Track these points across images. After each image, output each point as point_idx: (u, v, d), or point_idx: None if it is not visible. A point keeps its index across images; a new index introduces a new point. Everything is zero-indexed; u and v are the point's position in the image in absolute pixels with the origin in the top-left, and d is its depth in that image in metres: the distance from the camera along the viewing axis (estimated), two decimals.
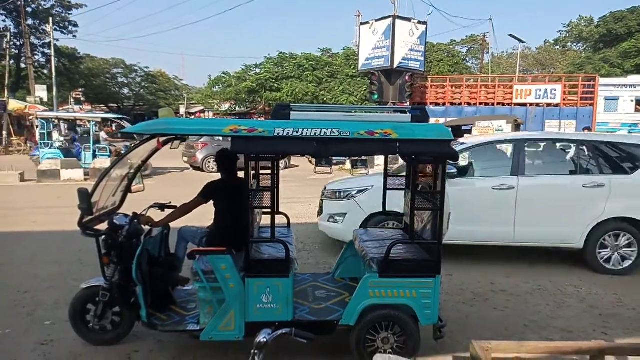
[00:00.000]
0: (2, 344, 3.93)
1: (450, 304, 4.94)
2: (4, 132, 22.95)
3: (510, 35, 30.01)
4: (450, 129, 3.48)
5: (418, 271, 3.59)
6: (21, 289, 5.14)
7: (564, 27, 49.58)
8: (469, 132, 12.97)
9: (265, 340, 1.82)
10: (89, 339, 3.90)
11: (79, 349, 3.85)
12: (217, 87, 37.01)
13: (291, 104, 3.71)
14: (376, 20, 18.63)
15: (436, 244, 3.56)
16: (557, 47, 50.96)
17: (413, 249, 3.93)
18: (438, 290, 3.60)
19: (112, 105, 50.04)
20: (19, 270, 5.81)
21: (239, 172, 4.16)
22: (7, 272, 5.73)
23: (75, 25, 39.08)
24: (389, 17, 17.99)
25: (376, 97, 17.54)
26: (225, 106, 37.61)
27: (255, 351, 1.79)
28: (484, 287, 5.58)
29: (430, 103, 19.63)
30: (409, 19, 18.35)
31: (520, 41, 30.66)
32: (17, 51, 34.53)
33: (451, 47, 42.47)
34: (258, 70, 33.77)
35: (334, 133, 3.33)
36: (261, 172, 4.52)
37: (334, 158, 18.22)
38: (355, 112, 3.75)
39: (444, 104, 19.82)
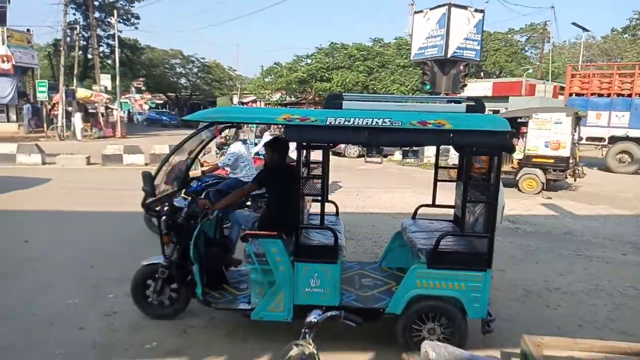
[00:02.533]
0: (71, 314, 4.27)
1: (500, 300, 4.83)
2: (72, 118, 24.48)
3: (574, 24, 28.27)
4: (507, 120, 3.38)
5: (468, 264, 3.55)
6: (88, 264, 5.54)
7: (635, 14, 45.99)
8: (525, 124, 12.43)
9: (315, 320, 1.89)
10: (148, 313, 4.17)
11: (139, 321, 4.12)
12: (269, 77, 37.53)
13: (343, 94, 3.75)
14: (430, 9, 18.12)
15: (488, 237, 3.50)
16: (626, 35, 47.39)
17: (463, 242, 3.88)
18: (488, 284, 3.54)
19: (170, 94, 52.07)
20: (86, 246, 6.25)
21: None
22: (76, 248, 6.19)
23: (137, 17, 40.81)
24: (444, 5, 17.46)
25: (428, 87, 17.13)
26: (276, 96, 38.07)
27: (306, 330, 1.86)
28: (537, 284, 5.41)
29: (592, 94, 17.79)
30: (465, 7, 17.72)
31: (585, 30, 28.88)
32: (85, 42, 36.57)
33: (509, 36, 40.62)
34: (309, 61, 33.86)
35: (385, 123, 3.34)
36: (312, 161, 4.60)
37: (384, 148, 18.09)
38: (407, 102, 3.72)
39: (608, 95, 17.58)
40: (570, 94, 18.57)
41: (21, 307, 4.36)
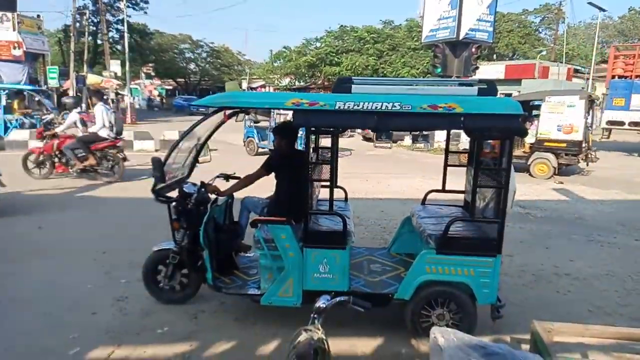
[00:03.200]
0: (84, 298, 4.34)
1: (509, 285, 4.81)
2: (83, 104, 24.63)
3: (590, 3, 27.41)
4: (519, 103, 3.32)
5: (477, 249, 3.52)
6: (100, 249, 5.62)
7: None
8: (537, 107, 12.25)
9: (324, 305, 1.89)
10: (159, 298, 4.22)
11: (150, 306, 4.18)
12: (277, 61, 37.32)
13: (353, 78, 3.70)
14: None
15: (498, 223, 3.47)
16: None
17: (473, 227, 3.85)
18: (498, 270, 3.52)
19: (179, 80, 52.10)
20: (98, 232, 6.33)
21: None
22: (89, 233, 6.27)
23: (146, 2, 40.68)
24: None
25: (439, 70, 16.89)
26: (286, 81, 37.90)
27: (315, 315, 1.87)
28: (547, 269, 5.37)
29: (637, 76, 17.08)
30: None
31: (601, 9, 28.05)
32: (94, 28, 36.60)
33: (523, 16, 39.77)
34: (318, 44, 33.58)
35: (395, 107, 3.29)
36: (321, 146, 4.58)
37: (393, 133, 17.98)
38: (418, 85, 3.66)
39: (630, 77, 17.17)
40: (613, 76, 17.59)
41: (38, 292, 4.44)
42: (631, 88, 16.34)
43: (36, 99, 20.14)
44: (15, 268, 5.00)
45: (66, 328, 3.77)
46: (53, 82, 25.30)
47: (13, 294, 4.38)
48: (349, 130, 19.39)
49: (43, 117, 17.81)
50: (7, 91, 17.41)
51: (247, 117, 14.87)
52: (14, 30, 23.44)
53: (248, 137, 14.91)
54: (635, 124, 16.52)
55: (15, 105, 18.76)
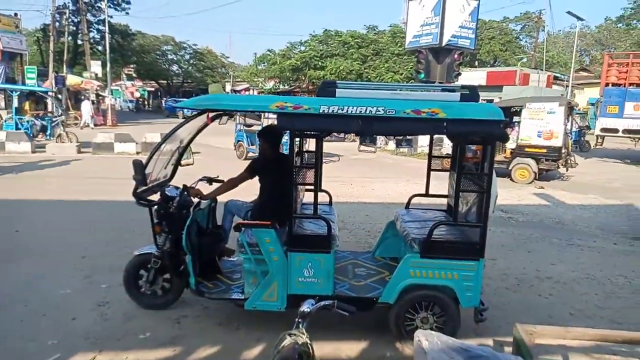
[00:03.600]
0: (64, 303, 4.24)
1: (492, 289, 4.87)
2: (62, 106, 24.17)
3: (569, 13, 28.07)
4: (501, 109, 3.37)
5: (461, 253, 3.55)
6: (80, 253, 5.50)
7: (630, 3, 45.97)
8: (518, 114, 12.46)
9: (309, 309, 1.88)
10: (141, 303, 4.15)
11: (132, 311, 4.10)
12: (262, 64, 37.21)
13: (337, 82, 3.71)
14: None
15: (481, 227, 3.50)
16: (621, 25, 47.45)
17: (456, 231, 3.88)
18: (481, 273, 3.55)
19: (161, 81, 51.51)
20: (78, 236, 6.20)
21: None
22: (68, 237, 6.14)
23: (128, 2, 40.15)
24: None
25: (422, 76, 17.05)
26: (270, 84, 37.82)
27: (299, 320, 1.86)
28: (529, 273, 5.45)
29: (631, 84, 16.87)
30: None
31: (579, 19, 28.77)
32: (74, 28, 35.96)
33: (504, 24, 40.49)
34: (303, 48, 33.59)
35: (379, 111, 3.31)
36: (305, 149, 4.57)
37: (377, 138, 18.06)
38: (401, 90, 3.69)
39: (624, 85, 17.01)
40: (607, 84, 17.50)
41: (13, 297, 4.32)
42: (625, 96, 16.40)
43: (47, 100, 19.94)
44: None
45: (45, 333, 3.68)
46: (31, 83, 24.76)
47: None
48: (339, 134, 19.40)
49: (54, 119, 17.68)
50: (18, 92, 17.14)
51: (238, 121, 14.83)
52: None
53: (238, 140, 14.86)
54: (629, 131, 16.57)
55: (27, 107, 18.51)
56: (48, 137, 17.30)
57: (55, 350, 3.45)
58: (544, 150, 11.91)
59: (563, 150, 12.05)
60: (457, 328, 3.61)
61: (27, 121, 16.70)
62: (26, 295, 4.36)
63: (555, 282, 5.21)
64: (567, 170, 12.79)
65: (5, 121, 16.79)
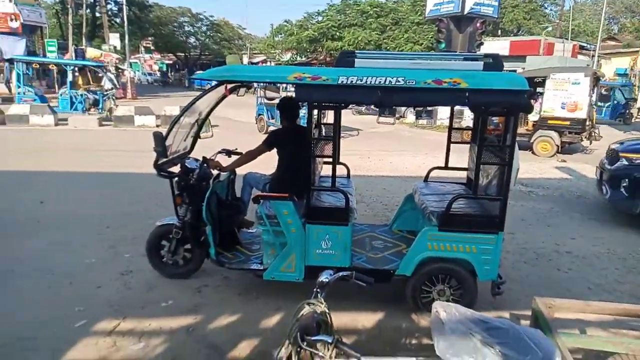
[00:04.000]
0: (89, 272, 4.38)
1: (510, 262, 4.85)
2: (114, 80, 24.37)
3: None
4: (525, 79, 3.26)
5: (479, 227, 3.52)
6: (104, 224, 5.64)
7: None
8: (541, 84, 12.11)
9: (327, 280, 1.90)
10: (163, 272, 4.26)
11: (154, 280, 4.22)
12: (279, 36, 36.77)
13: (356, 52, 3.63)
14: None
15: (501, 200, 3.46)
16: None
17: (475, 205, 3.84)
18: (499, 247, 3.53)
19: (179, 54, 51.41)
20: (101, 207, 6.35)
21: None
22: (91, 208, 6.29)
23: None
24: None
25: (443, 45, 16.63)
26: (287, 56, 37.40)
27: (318, 289, 1.88)
28: (548, 247, 5.40)
29: None
30: None
31: None
32: (92, 0, 35.91)
33: None
34: (320, 18, 32.98)
35: (399, 82, 3.24)
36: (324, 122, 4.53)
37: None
38: (422, 59, 3.60)
39: None
40: None
41: (40, 265, 4.47)
42: None
43: (100, 74, 20.31)
44: (17, 242, 5.03)
45: (71, 301, 3.82)
46: (52, 56, 24.99)
47: (14, 268, 4.40)
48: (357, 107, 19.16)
49: (106, 92, 18.04)
50: (73, 67, 17.45)
51: (259, 94, 14.76)
52: (10, 1, 23.03)
53: (259, 114, 14.83)
54: None
55: (80, 81, 18.85)
56: (100, 111, 17.69)
57: (82, 317, 3.58)
58: (568, 123, 11.59)
59: (587, 123, 11.71)
60: (474, 301, 3.62)
61: (81, 95, 17.00)
62: (53, 264, 4.51)
63: (575, 257, 5.15)
64: (590, 144, 12.45)
65: (60, 95, 17.11)
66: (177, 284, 4.15)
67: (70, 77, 16.87)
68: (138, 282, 4.20)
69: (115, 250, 4.92)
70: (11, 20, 23.07)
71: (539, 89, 12.32)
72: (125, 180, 7.95)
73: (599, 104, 18.68)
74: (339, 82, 3.27)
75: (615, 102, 21.56)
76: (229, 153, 4.58)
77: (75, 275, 4.29)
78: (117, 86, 20.52)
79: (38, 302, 3.81)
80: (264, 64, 40.99)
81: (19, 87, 16.34)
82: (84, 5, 31.47)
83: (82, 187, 7.43)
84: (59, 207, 6.30)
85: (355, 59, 3.45)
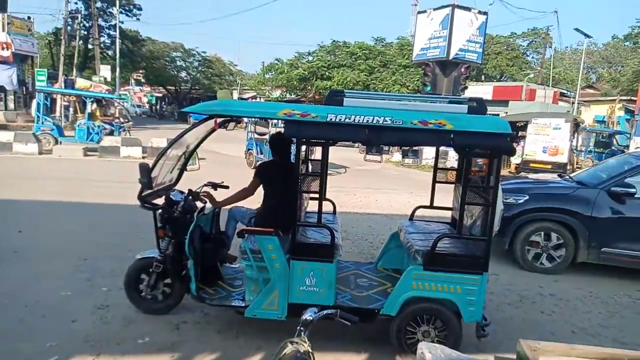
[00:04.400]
0: (64, 305, 4.23)
1: (494, 304, 4.82)
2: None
3: (576, 30, 28.16)
4: (508, 123, 3.36)
5: (464, 267, 3.52)
6: (82, 255, 5.50)
7: (638, 21, 46.00)
8: (523, 128, 12.47)
9: (311, 318, 1.86)
10: (141, 307, 4.13)
11: (131, 315, 4.08)
12: (269, 73, 37.47)
13: (345, 91, 3.71)
14: (434, 9, 18.15)
15: (485, 241, 3.48)
16: (627, 43, 47.47)
17: (460, 244, 3.86)
18: (484, 288, 3.52)
19: (170, 87, 51.92)
20: (80, 238, 6.21)
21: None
22: (70, 239, 6.14)
23: (139, 9, 40.66)
24: (448, 6, 17.48)
25: (429, 88, 17.12)
26: (277, 93, 38.02)
27: (301, 328, 1.84)
28: (532, 289, 5.40)
29: None
30: (468, 9, 17.75)
31: (587, 36, 28.74)
32: (85, 32, 36.41)
33: (511, 39, 40.67)
34: (310, 58, 33.82)
35: (386, 121, 3.31)
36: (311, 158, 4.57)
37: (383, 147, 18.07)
38: (409, 100, 3.69)
39: None
40: None
41: (14, 297, 4.31)
42: None
43: (117, 106, 20.32)
44: None
45: (44, 335, 3.66)
46: (41, 85, 24.99)
47: None
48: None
49: (122, 124, 18.09)
50: (92, 99, 17.52)
51: (249, 129, 14.90)
52: (3, 30, 23.22)
53: (249, 149, 14.97)
54: None
55: (98, 113, 18.85)
56: None
57: (54, 353, 3.43)
58: (549, 166, 11.88)
59: (568, 167, 12.01)
60: (458, 343, 3.56)
61: (98, 126, 16.99)
62: (26, 296, 4.35)
63: (558, 299, 5.15)
64: None
65: (78, 126, 17.11)
66: (155, 320, 4.02)
67: (89, 109, 16.97)
68: (115, 317, 4.06)
69: (92, 282, 4.77)
70: (2, 49, 23.18)
71: (521, 133, 12.69)
72: (107, 211, 7.82)
73: (597, 150, 18.88)
74: (328, 119, 3.33)
75: (613, 148, 22.08)
76: (215, 186, 4.56)
77: (49, 308, 4.13)
78: (130, 119, 20.62)
79: (8, 335, 3.64)
80: (253, 100, 41.58)
81: (37, 116, 16.36)
82: (77, 37, 31.87)
83: (62, 217, 7.28)
84: (36, 237, 6.14)
85: (344, 98, 3.52)
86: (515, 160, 12.43)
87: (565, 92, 34.33)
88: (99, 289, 4.61)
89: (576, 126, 12.55)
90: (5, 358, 3.34)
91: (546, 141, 11.91)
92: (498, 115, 18.68)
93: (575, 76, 34.85)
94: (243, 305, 3.73)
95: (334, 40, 33.10)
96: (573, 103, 29.38)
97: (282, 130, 4.15)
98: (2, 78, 22.84)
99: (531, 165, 12.03)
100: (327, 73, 30.91)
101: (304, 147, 4.21)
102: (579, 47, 43.09)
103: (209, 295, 3.92)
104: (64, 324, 3.88)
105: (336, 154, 19.43)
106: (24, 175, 10.67)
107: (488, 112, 3.58)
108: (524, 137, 12.41)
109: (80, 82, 28.15)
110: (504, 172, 12.66)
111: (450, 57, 17.16)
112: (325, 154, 3.88)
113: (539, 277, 5.82)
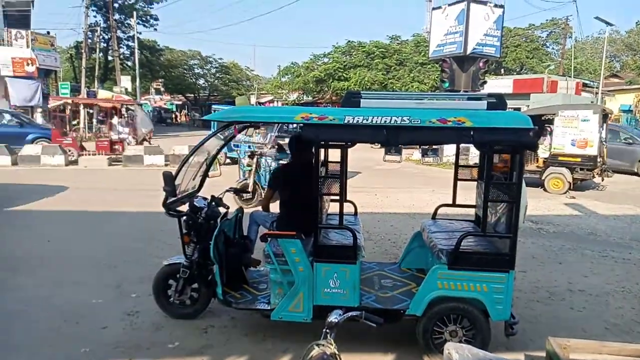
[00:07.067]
0: (94, 313, 4.34)
1: (523, 302, 4.74)
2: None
3: (597, 18, 27.30)
4: (529, 117, 3.31)
5: (490, 265, 3.48)
6: (111, 263, 5.63)
7: None
8: (550, 122, 12.16)
9: (337, 320, 1.87)
10: (169, 312, 4.21)
11: (160, 320, 4.16)
12: (286, 77, 37.62)
13: (361, 92, 3.72)
14: (449, 5, 17.92)
15: (511, 238, 3.43)
16: None
17: (485, 242, 3.81)
18: (511, 286, 3.47)
19: (189, 95, 52.72)
20: (109, 246, 6.36)
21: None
22: (99, 248, 6.30)
23: (156, 19, 41.48)
24: (463, 1, 17.24)
25: (447, 85, 16.91)
26: (294, 96, 38.14)
27: (327, 330, 1.85)
28: (561, 286, 5.29)
29: None
30: (484, 3, 17.45)
31: (608, 24, 27.90)
32: (105, 44, 37.30)
33: (530, 31, 39.85)
34: (326, 60, 33.82)
35: (404, 121, 3.30)
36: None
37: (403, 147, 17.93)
38: (427, 99, 3.67)
39: None
40: None
41: (48, 305, 4.45)
42: None
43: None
44: (22, 281, 5.03)
45: (76, 342, 3.77)
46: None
47: (19, 307, 4.38)
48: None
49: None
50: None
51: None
52: (27, 47, 23.92)
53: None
54: None
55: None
56: None
57: (87, 359, 3.53)
58: (578, 160, 11.56)
59: (598, 159, 11.67)
60: (487, 342, 3.52)
61: None
62: (60, 304, 4.48)
63: (589, 295, 5.03)
64: (602, 180, 12.37)
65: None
66: (184, 325, 4.09)
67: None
68: (144, 323, 4.14)
69: (121, 289, 4.89)
70: (27, 65, 23.90)
71: (547, 126, 12.36)
72: (133, 219, 7.98)
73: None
74: (345, 121, 3.34)
75: None
76: (236, 191, 4.62)
77: (82, 316, 4.25)
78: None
79: (44, 343, 3.76)
80: (271, 104, 41.83)
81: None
82: (97, 50, 32.67)
83: (91, 226, 7.46)
84: (66, 247, 6.32)
85: (361, 99, 3.53)
86: (543, 154, 12.13)
87: (588, 82, 33.45)
88: (128, 296, 4.72)
89: (605, 117, 12.14)
90: None
91: (574, 134, 11.56)
92: (519, 109, 18.34)
93: (598, 66, 33.98)
94: (269, 308, 3.76)
95: (349, 41, 33.03)
96: (597, 93, 28.65)
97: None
98: (28, 93, 23.53)
99: (560, 159, 11.69)
100: (343, 74, 30.85)
101: (322, 150, 4.23)
102: (601, 36, 41.92)
103: (235, 299, 3.97)
104: (96, 330, 3.99)
105: (353, 154, 19.42)
106: (53, 185, 10.98)
107: (509, 107, 3.53)
108: (551, 131, 12.07)
109: (102, 93, 28.86)
110: (531, 167, 12.40)
111: (468, 52, 16.92)
112: (344, 155, 3.89)
113: (567, 272, 5.70)
